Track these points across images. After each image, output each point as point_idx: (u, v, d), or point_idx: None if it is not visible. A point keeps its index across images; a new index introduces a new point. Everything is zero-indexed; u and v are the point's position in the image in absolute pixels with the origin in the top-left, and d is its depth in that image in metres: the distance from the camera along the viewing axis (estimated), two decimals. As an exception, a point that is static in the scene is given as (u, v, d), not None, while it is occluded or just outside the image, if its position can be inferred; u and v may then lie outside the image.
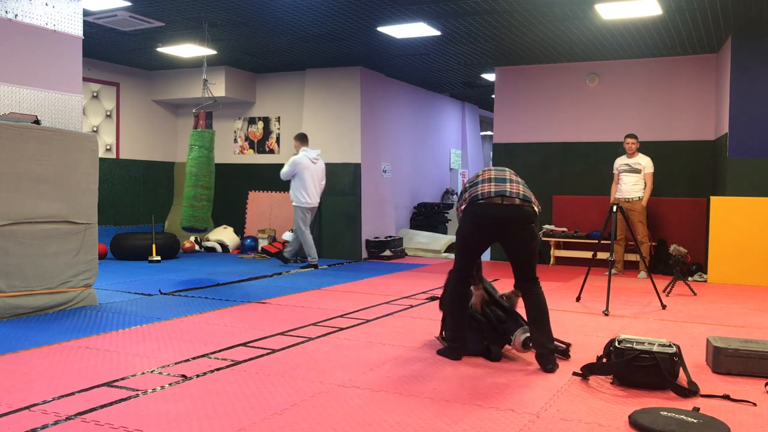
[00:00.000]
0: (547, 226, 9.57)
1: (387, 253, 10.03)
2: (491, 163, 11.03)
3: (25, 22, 5.62)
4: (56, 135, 5.51)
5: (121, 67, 10.44)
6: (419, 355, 4.20)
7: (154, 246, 9.26)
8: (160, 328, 4.91)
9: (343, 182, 10.11)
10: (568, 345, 4.24)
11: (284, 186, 10.88)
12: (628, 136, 8.39)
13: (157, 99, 11.00)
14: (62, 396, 3.28)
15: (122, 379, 3.60)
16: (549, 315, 3.98)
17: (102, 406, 3.12)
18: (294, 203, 8.77)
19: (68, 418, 2.96)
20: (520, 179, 4.07)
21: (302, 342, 4.51)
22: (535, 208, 3.96)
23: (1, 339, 4.50)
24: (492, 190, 3.91)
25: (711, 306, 6.27)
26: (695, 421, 2.92)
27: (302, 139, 9.01)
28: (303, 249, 8.91)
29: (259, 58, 9.71)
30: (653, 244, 8.75)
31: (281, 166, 10.92)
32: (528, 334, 4.00)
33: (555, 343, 4.05)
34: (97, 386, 3.45)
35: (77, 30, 6.05)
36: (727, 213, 7.78)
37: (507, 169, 4.13)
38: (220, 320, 5.24)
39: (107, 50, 9.32)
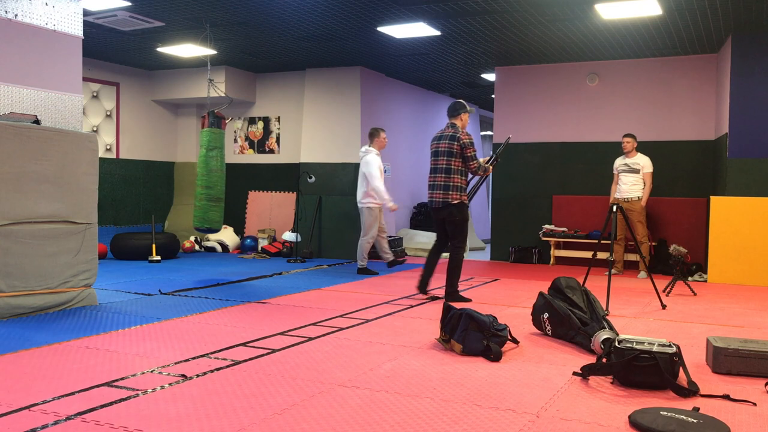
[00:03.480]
0: (547, 226, 9.57)
1: (387, 253, 10.01)
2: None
3: (25, 22, 5.62)
4: (56, 135, 5.50)
5: (121, 66, 10.44)
6: (419, 355, 4.20)
7: (154, 246, 9.26)
8: (160, 328, 4.91)
9: (343, 182, 10.11)
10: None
11: (284, 186, 10.90)
12: (625, 135, 8.40)
13: (157, 99, 11.00)
14: (62, 396, 3.28)
15: (122, 379, 3.60)
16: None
17: (102, 406, 3.12)
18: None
19: (68, 418, 2.96)
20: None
21: (302, 342, 4.51)
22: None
23: (1, 339, 4.50)
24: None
25: (711, 306, 6.27)
26: (695, 421, 2.91)
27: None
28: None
29: (259, 58, 9.71)
30: (653, 244, 8.75)
31: (281, 166, 11.01)
32: (607, 335, 4.10)
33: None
34: (97, 386, 3.45)
35: (77, 30, 6.05)
36: (727, 213, 7.78)
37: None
38: (220, 320, 5.24)
39: (107, 50, 9.32)
